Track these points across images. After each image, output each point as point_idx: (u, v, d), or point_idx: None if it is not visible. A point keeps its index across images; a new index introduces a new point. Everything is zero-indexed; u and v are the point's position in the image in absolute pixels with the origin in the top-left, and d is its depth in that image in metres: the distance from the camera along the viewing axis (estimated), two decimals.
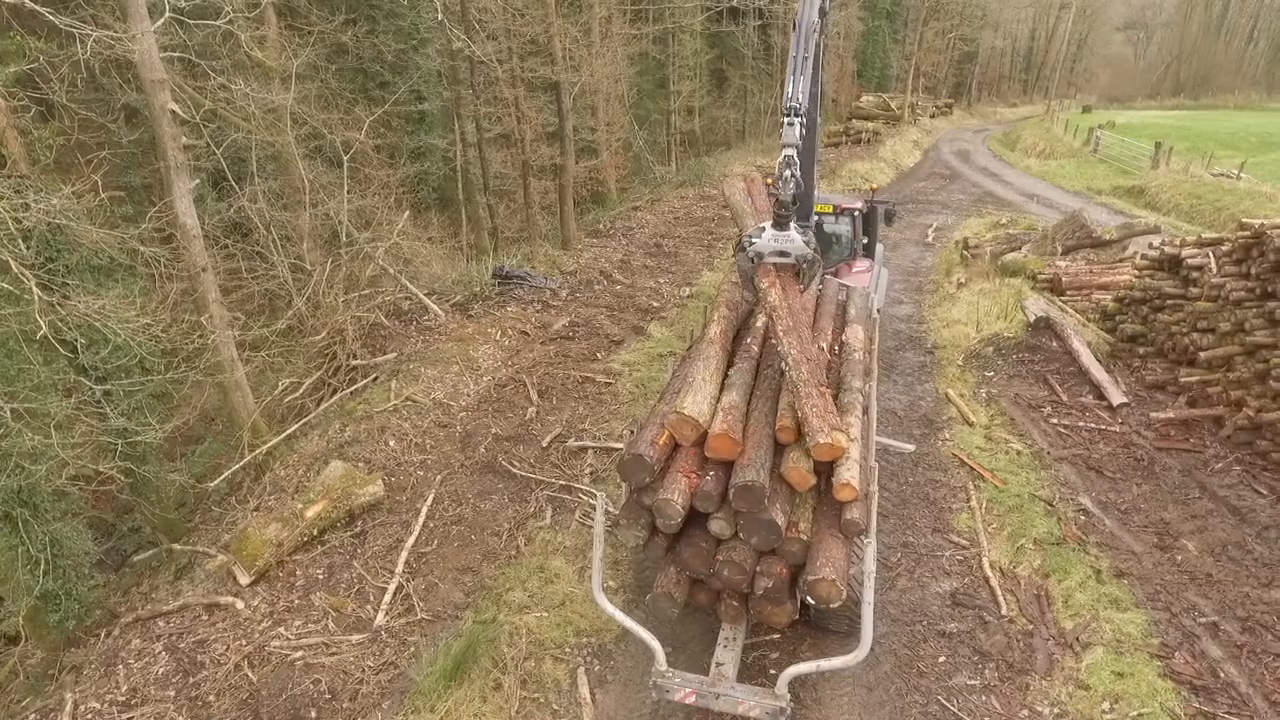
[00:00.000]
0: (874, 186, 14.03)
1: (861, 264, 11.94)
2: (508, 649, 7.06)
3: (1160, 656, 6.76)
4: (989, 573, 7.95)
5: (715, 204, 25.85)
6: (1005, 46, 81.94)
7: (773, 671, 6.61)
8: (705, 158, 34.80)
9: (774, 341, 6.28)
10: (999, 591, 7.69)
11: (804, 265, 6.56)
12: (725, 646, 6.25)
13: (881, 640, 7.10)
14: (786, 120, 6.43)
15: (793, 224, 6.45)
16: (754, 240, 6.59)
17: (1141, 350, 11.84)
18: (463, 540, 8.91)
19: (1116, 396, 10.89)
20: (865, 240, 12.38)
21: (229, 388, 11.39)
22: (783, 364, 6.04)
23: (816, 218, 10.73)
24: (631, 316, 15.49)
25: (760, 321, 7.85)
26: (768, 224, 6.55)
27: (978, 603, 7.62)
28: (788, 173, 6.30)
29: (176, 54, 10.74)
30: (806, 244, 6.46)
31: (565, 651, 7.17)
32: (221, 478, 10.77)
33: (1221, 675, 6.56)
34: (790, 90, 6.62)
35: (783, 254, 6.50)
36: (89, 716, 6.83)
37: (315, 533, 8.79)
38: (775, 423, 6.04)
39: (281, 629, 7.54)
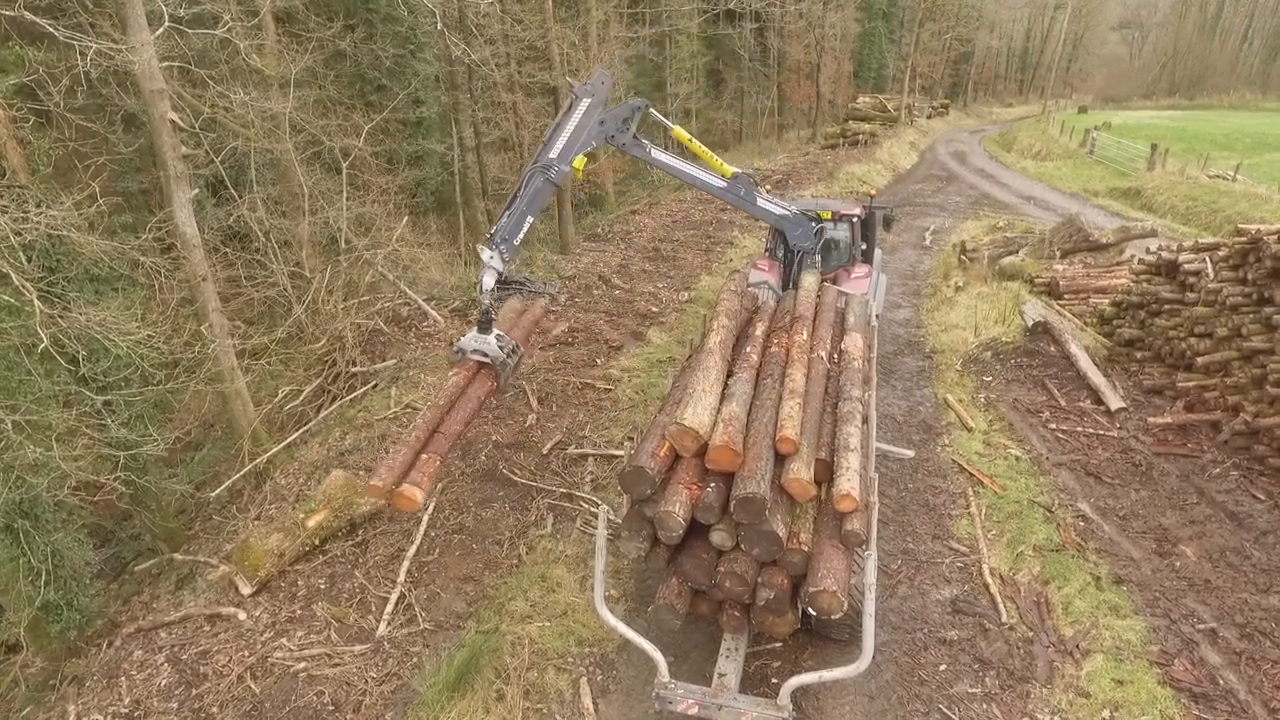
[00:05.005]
0: (873, 192, 14.03)
1: (860, 269, 11.95)
2: (510, 659, 7.08)
3: (1160, 663, 6.79)
4: (989, 579, 7.98)
5: (714, 207, 25.86)
6: (1001, 46, 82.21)
7: (775, 681, 6.64)
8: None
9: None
10: (999, 598, 7.72)
11: (499, 368, 7.42)
12: (727, 657, 6.28)
13: (882, 648, 7.12)
14: (481, 248, 7.41)
15: (494, 332, 7.39)
16: (463, 336, 7.52)
17: (1139, 355, 11.86)
18: (464, 549, 8.92)
19: (1114, 401, 10.93)
20: (864, 246, 12.41)
21: (229, 396, 11.39)
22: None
23: (817, 225, 10.75)
24: (630, 322, 15.49)
25: (760, 330, 7.90)
26: (474, 328, 7.47)
27: (978, 610, 7.65)
28: (480, 291, 7.35)
29: (176, 63, 10.75)
30: (501, 348, 7.37)
31: (568, 661, 7.19)
32: (223, 487, 10.79)
33: (1221, 682, 6.59)
34: (501, 220, 7.57)
35: (482, 354, 7.36)
36: None
37: (317, 542, 8.80)
38: (775, 433, 6.07)
39: (284, 640, 7.55)
